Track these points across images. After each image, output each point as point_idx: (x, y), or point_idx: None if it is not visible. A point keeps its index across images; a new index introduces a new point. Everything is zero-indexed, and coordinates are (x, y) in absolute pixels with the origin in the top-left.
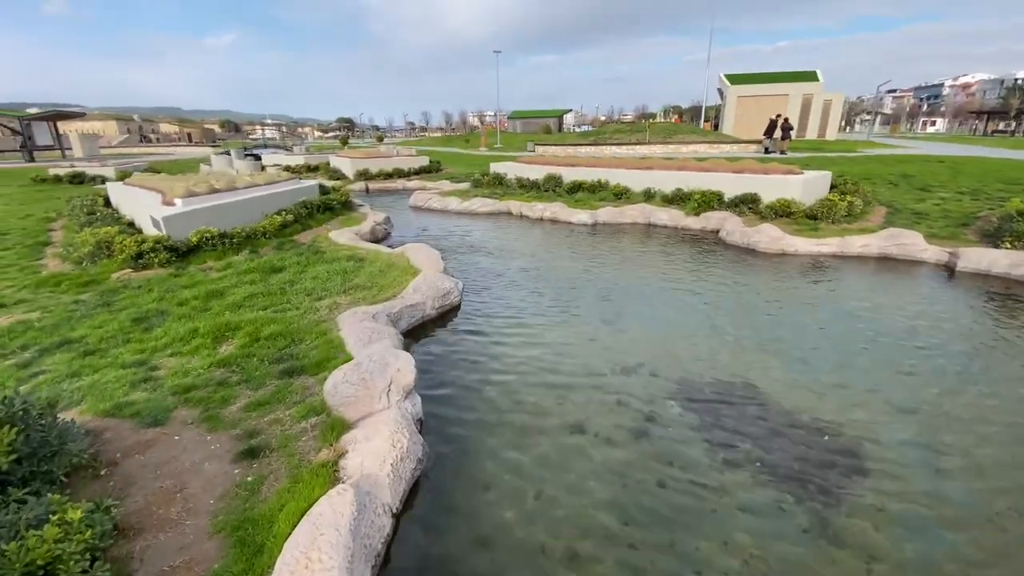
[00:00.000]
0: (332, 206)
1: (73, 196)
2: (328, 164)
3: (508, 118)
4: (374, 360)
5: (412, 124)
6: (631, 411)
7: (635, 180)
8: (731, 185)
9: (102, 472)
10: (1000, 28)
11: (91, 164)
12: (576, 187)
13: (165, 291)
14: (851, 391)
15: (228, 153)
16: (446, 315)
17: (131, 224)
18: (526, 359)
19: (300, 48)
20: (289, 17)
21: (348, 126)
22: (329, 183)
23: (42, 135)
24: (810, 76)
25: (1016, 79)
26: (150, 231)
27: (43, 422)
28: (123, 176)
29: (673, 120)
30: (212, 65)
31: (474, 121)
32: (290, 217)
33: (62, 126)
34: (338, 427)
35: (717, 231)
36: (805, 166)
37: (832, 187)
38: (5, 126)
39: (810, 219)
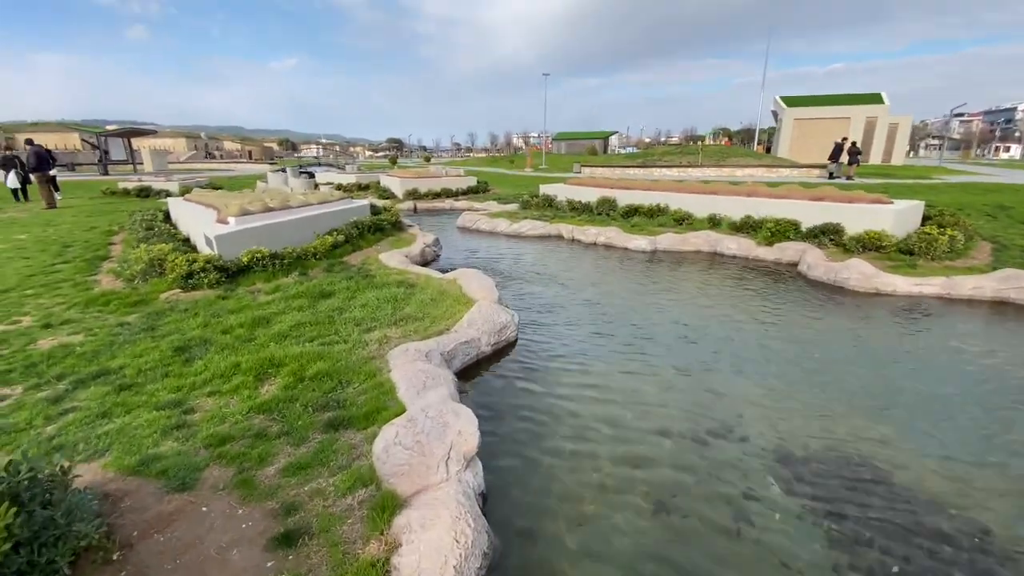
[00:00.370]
0: (383, 226)
1: (137, 210)
2: (379, 183)
3: (553, 139)
4: (431, 417)
5: (457, 145)
6: (723, 489)
7: (698, 205)
8: (809, 214)
9: (115, 556)
10: None
11: (157, 178)
12: (632, 211)
13: (211, 316)
14: (1004, 477)
15: (284, 171)
16: (502, 352)
17: (186, 240)
18: (595, 419)
19: (355, 72)
20: (347, 43)
21: (397, 146)
22: (380, 202)
23: (117, 150)
24: (874, 98)
25: None
26: (204, 248)
27: (51, 494)
28: (185, 191)
29: (723, 143)
30: (274, 87)
31: (518, 142)
32: (341, 237)
33: (135, 142)
34: (389, 505)
35: (795, 264)
36: (883, 193)
37: (925, 219)
38: (86, 141)
39: (905, 254)
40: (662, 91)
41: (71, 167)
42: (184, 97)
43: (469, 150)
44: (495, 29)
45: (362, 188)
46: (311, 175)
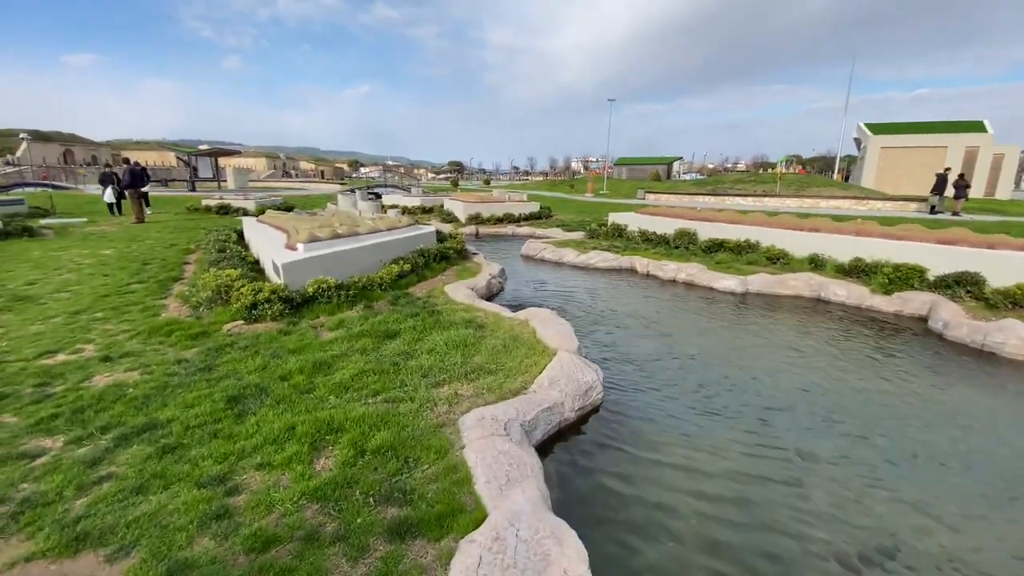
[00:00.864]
0: (448, 255)
1: (214, 228)
2: (442, 206)
3: (614, 164)
4: (524, 539)
5: (516, 168)
6: None
7: (795, 243)
8: (936, 259)
9: None
10: None
11: (236, 196)
12: (715, 246)
13: (271, 356)
14: None
15: (353, 192)
16: (586, 417)
17: (256, 263)
18: (713, 540)
19: (422, 97)
20: (416, 72)
21: (458, 169)
22: (444, 227)
23: (204, 168)
24: (975, 126)
25: None
26: (271, 274)
27: None
28: (261, 210)
29: (796, 171)
30: (348, 111)
31: (576, 166)
32: (407, 267)
33: (222, 161)
34: None
35: (922, 319)
36: (1003, 233)
37: None
38: (180, 159)
39: None
40: (724, 117)
41: (165, 183)
42: (267, 120)
43: (527, 173)
44: (557, 57)
45: (426, 211)
46: (378, 196)
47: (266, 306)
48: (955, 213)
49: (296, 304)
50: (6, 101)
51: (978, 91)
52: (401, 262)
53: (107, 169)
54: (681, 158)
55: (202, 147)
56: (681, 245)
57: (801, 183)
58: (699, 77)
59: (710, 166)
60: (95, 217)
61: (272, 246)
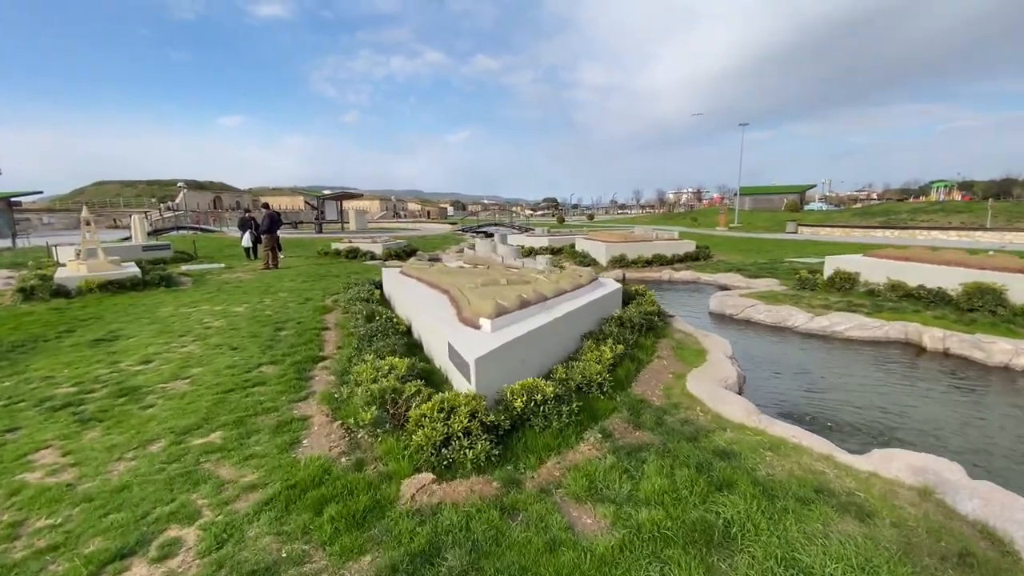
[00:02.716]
0: (653, 323)
1: (347, 275)
2: (573, 247)
3: (738, 194)
4: None
5: (614, 202)
6: None
7: None
8: None
9: None
10: None
11: (363, 239)
12: None
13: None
14: None
15: (488, 235)
16: None
17: (408, 332)
18: None
19: (516, 137)
20: (511, 115)
21: (553, 205)
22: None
23: (331, 212)
24: None
25: None
26: (441, 358)
27: None
28: (389, 255)
29: (962, 198)
30: (449, 155)
31: (677, 198)
32: (619, 348)
33: (344, 205)
34: None
35: None
36: None
37: None
38: (308, 203)
39: None
40: (845, 143)
41: (295, 225)
42: (378, 165)
43: (623, 207)
44: (650, 92)
45: (555, 253)
46: (489, 236)
47: (464, 442)
48: None
49: (502, 433)
50: (171, 157)
51: None
52: (600, 339)
53: (246, 215)
54: (815, 186)
55: (325, 192)
56: (980, 307)
57: (1009, 213)
58: (805, 102)
59: (844, 195)
60: (232, 261)
61: (434, 316)
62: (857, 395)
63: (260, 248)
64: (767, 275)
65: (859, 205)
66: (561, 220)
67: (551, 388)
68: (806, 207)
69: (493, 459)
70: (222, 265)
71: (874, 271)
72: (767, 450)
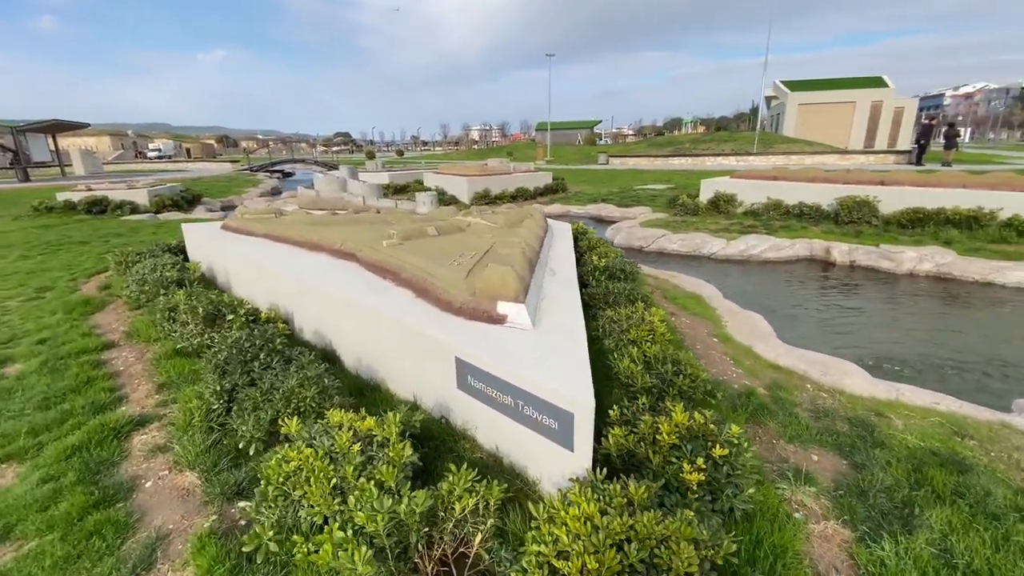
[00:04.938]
0: (632, 269)
1: (110, 242)
2: (420, 183)
3: (536, 130)
4: None
5: (415, 138)
6: None
7: None
8: None
9: None
10: (982, 41)
11: (109, 185)
12: (918, 218)
13: None
14: None
15: (333, 168)
16: None
17: (289, 336)
18: None
19: (292, 64)
20: (281, 35)
21: (348, 141)
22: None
23: (39, 150)
24: (877, 82)
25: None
26: (406, 382)
27: None
28: (162, 204)
29: (701, 131)
30: (203, 81)
31: (481, 134)
32: (640, 311)
33: (62, 140)
34: None
35: None
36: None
37: None
38: None
39: None
40: (607, 84)
41: None
42: (101, 93)
43: (424, 144)
44: (435, 23)
45: (399, 191)
46: (287, 175)
47: None
48: (946, 163)
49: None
50: None
51: (815, 57)
52: (604, 303)
53: None
54: (601, 121)
55: (23, 124)
56: (858, 219)
57: (769, 140)
58: (578, 45)
59: (614, 131)
60: None
61: (370, 306)
62: (864, 327)
63: None
64: (634, 203)
65: (632, 139)
66: (371, 155)
67: (666, 427)
68: (600, 142)
69: None
70: None
71: (751, 192)
72: (988, 444)
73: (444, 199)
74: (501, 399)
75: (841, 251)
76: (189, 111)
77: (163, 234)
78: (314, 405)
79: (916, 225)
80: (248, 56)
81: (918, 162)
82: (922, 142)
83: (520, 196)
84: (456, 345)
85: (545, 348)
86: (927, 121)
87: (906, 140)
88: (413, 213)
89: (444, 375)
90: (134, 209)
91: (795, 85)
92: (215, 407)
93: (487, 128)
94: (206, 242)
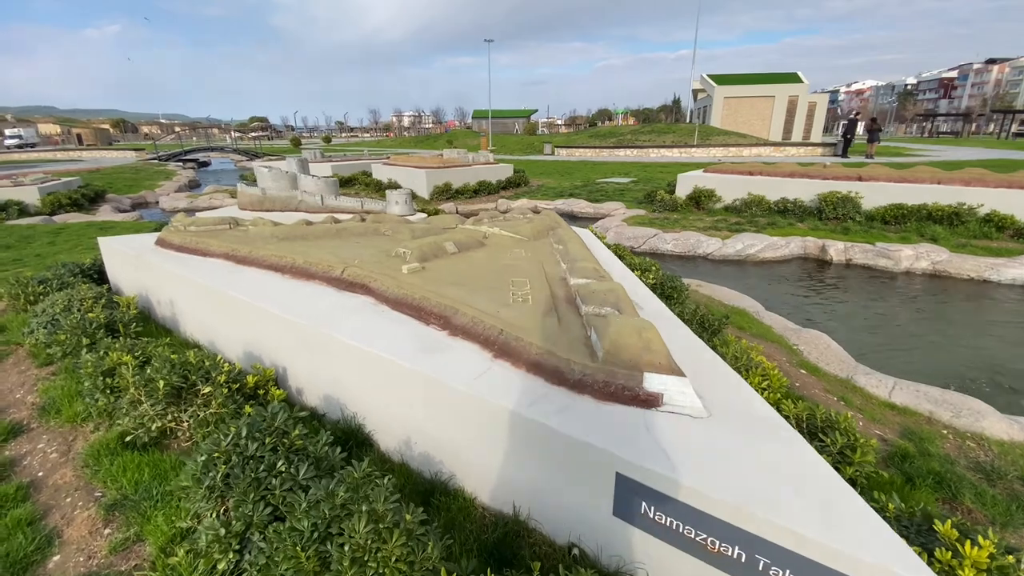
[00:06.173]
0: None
1: (6, 263)
2: (367, 175)
3: (473, 118)
4: None
5: (341, 124)
6: None
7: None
8: None
9: None
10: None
11: None
12: (901, 214)
13: None
14: None
15: (255, 157)
16: None
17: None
18: None
19: (194, 42)
20: (180, 9)
21: (266, 127)
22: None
23: None
24: (793, 78)
25: (906, 85)
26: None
27: None
28: (57, 203)
29: (631, 122)
30: (92, 60)
31: (404, 121)
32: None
33: None
34: None
35: None
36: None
37: None
38: None
39: None
40: (534, 73)
41: None
42: None
43: (345, 130)
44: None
45: (345, 183)
46: (203, 164)
47: None
48: (869, 156)
49: None
50: None
51: (723, 52)
52: None
53: None
54: (537, 111)
55: None
56: (842, 215)
57: (706, 133)
58: (505, 32)
59: (557, 120)
60: None
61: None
62: (920, 340)
63: None
64: (604, 198)
65: (565, 129)
66: (297, 143)
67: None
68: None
69: None
70: None
71: (730, 188)
72: None
73: None
74: (717, 549)
75: (837, 249)
76: (79, 93)
77: (64, 244)
78: (405, 570)
79: (899, 221)
80: (144, 32)
81: (844, 154)
82: (848, 136)
83: (483, 190)
84: (608, 449)
85: (758, 457)
86: (852, 116)
87: (818, 133)
88: (406, 220)
89: (579, 489)
90: (22, 210)
91: (721, 79)
92: (221, 567)
93: (419, 114)
94: (135, 264)
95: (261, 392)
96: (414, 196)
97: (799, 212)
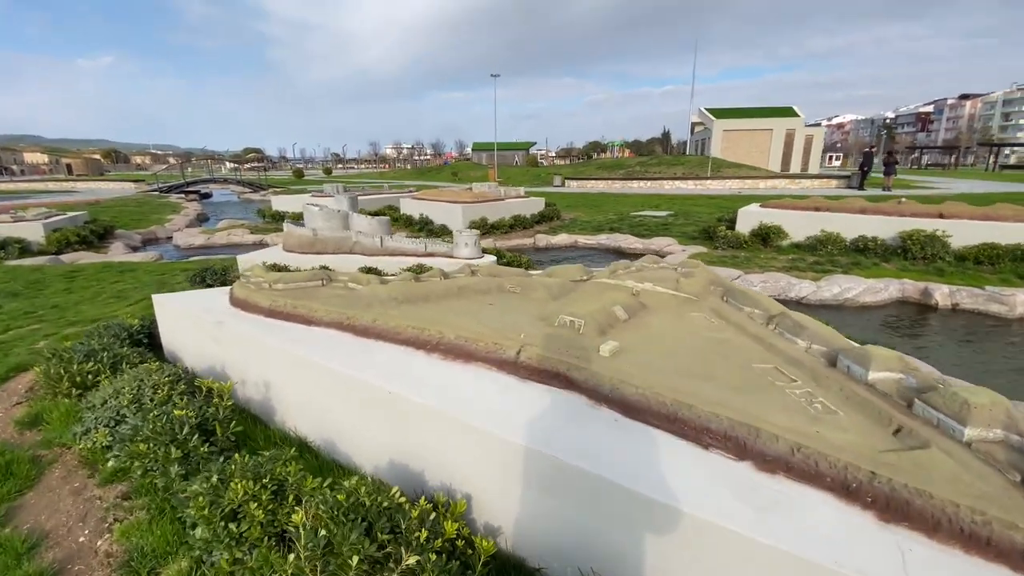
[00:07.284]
0: None
1: (16, 316)
2: (393, 209)
3: (473, 150)
4: None
5: (337, 155)
6: None
7: None
8: None
9: None
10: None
11: None
12: (995, 255)
13: None
14: None
15: (260, 188)
16: None
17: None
18: None
19: (188, 75)
20: (176, 42)
21: (261, 158)
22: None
23: None
24: (789, 112)
25: (885, 119)
26: None
27: None
28: (64, 241)
29: (626, 154)
30: (85, 89)
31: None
32: None
33: None
34: None
35: None
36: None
37: None
38: None
39: None
40: (526, 107)
41: None
42: None
43: (341, 161)
44: (354, 37)
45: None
46: (205, 196)
47: None
48: (886, 188)
49: None
50: None
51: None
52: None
53: None
54: (535, 143)
55: None
56: (931, 255)
57: (717, 165)
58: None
59: (552, 153)
60: None
61: None
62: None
63: None
64: (649, 233)
65: (559, 161)
66: (300, 175)
67: None
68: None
69: None
70: None
71: (797, 224)
72: None
73: (433, 230)
74: None
75: (943, 293)
76: (68, 122)
77: (83, 291)
78: None
79: (993, 262)
80: (139, 63)
81: (860, 187)
82: (865, 168)
83: (518, 225)
84: None
85: None
86: (868, 149)
87: (816, 165)
88: (527, 273)
89: None
90: (25, 248)
91: (719, 113)
92: None
93: (418, 147)
94: (213, 334)
95: (460, 543)
96: (443, 231)
97: (880, 251)
